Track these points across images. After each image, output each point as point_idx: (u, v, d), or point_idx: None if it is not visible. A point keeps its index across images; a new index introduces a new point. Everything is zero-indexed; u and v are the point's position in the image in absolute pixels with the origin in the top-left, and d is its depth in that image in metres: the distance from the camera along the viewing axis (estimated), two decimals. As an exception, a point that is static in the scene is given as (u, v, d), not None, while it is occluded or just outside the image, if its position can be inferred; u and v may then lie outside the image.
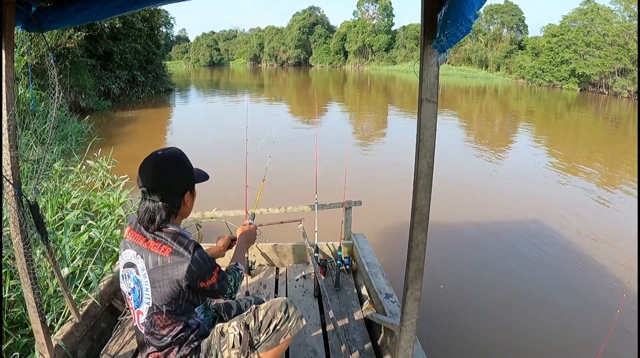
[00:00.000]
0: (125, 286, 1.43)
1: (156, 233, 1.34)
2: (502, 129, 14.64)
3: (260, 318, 1.55)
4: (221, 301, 1.93)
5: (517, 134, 13.75)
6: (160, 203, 1.32)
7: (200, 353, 1.45)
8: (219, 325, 1.53)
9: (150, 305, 1.35)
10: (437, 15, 1.09)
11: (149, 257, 1.32)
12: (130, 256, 1.38)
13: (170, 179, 1.33)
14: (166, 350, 1.41)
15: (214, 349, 1.47)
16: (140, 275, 1.35)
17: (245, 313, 1.60)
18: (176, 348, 1.42)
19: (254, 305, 1.63)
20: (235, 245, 1.83)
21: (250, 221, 1.97)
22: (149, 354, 1.43)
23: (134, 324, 1.44)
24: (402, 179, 6.70)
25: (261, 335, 1.53)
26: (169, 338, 1.39)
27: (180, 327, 1.40)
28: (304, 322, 1.64)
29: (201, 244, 1.68)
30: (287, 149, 8.96)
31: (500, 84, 35.60)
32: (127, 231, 1.43)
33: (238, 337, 1.49)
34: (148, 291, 1.34)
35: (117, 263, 2.69)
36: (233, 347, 1.48)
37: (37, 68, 10.00)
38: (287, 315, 1.58)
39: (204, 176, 1.47)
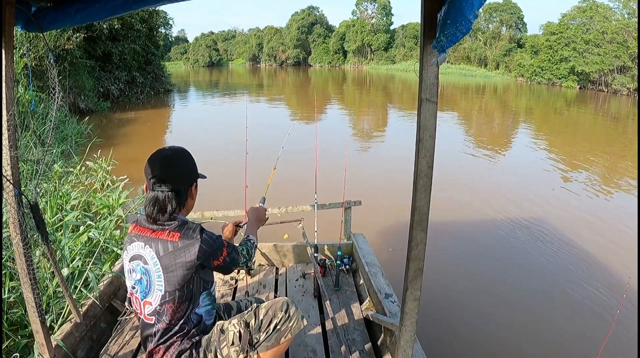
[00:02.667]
0: (130, 281, 1.45)
1: (165, 223, 1.38)
2: (502, 128, 14.64)
3: (261, 317, 1.55)
4: (221, 301, 1.93)
5: (517, 132, 13.76)
6: (169, 192, 1.38)
7: (200, 349, 1.46)
8: (219, 323, 1.54)
9: (163, 293, 1.37)
10: (436, 15, 1.09)
11: (158, 245, 1.36)
12: (137, 248, 1.41)
13: (180, 170, 1.42)
14: (169, 343, 1.42)
15: (213, 345, 1.47)
16: (150, 263, 1.38)
17: (246, 311, 1.60)
18: (178, 342, 1.43)
19: (254, 304, 1.63)
20: (241, 229, 1.93)
21: (260, 203, 2.03)
22: (152, 350, 1.44)
23: (139, 317, 1.45)
24: (401, 179, 6.70)
25: (261, 333, 1.52)
26: (176, 327, 1.41)
27: (186, 317, 1.42)
28: (305, 322, 1.63)
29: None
30: (287, 149, 8.94)
31: (500, 83, 35.59)
32: (132, 228, 1.46)
33: (238, 334, 1.49)
34: (161, 278, 1.37)
35: (116, 263, 2.69)
36: (232, 344, 1.48)
37: (36, 70, 9.97)
38: (287, 314, 1.57)
39: (202, 174, 1.54)
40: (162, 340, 1.42)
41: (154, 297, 1.39)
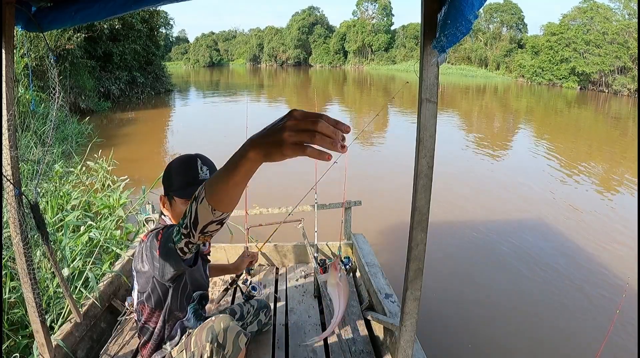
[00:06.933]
0: None
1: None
2: (502, 128, 14.64)
3: (192, 348, 1.41)
4: (222, 301, 1.92)
5: (517, 132, 13.75)
6: (162, 194, 1.48)
7: None
8: (175, 348, 1.50)
9: (136, 293, 1.47)
10: (437, 16, 1.09)
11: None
12: None
13: (164, 178, 1.47)
14: (144, 340, 1.53)
15: None
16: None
17: (181, 339, 1.51)
18: (154, 345, 1.51)
19: (196, 328, 1.49)
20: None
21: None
22: (142, 343, 1.54)
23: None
24: (401, 180, 6.70)
25: None
26: (155, 330, 1.49)
27: (161, 322, 1.48)
28: (246, 337, 1.46)
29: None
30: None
31: (500, 83, 35.58)
32: None
33: None
34: (134, 279, 1.47)
35: (116, 262, 2.69)
36: None
37: (36, 70, 9.97)
38: (216, 344, 1.38)
39: (185, 194, 1.36)
40: (144, 338, 1.52)
41: (134, 294, 1.49)
